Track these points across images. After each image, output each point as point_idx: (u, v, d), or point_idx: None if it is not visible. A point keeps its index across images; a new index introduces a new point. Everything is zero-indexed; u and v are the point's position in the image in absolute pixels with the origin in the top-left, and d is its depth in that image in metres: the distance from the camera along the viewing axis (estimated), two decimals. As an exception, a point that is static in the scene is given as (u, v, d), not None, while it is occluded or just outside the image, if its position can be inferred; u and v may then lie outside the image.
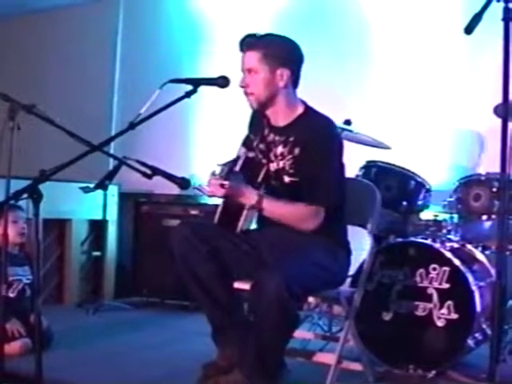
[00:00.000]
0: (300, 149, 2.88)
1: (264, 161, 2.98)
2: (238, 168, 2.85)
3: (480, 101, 4.33)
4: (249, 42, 2.88)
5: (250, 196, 2.81)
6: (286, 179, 2.93)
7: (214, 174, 2.83)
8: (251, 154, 2.97)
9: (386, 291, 3.38)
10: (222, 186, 2.75)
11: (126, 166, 2.69)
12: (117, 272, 5.38)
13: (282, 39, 2.94)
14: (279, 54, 2.88)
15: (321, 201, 2.82)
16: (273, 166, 2.97)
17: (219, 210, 2.98)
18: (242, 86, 2.90)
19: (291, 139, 2.91)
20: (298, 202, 2.81)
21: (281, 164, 2.94)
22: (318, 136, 2.87)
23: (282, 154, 2.94)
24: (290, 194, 2.84)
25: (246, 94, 2.91)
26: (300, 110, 2.96)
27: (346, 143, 3.07)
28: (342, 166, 2.94)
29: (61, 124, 2.60)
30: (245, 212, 2.85)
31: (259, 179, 2.91)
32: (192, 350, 3.63)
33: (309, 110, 2.97)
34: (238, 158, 2.91)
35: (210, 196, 2.89)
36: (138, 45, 6.09)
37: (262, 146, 3.03)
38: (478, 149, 4.58)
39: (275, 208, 2.83)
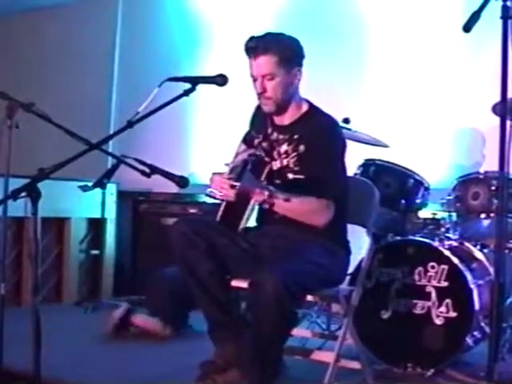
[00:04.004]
0: (305, 146, 2.89)
1: (267, 159, 2.98)
2: (249, 167, 2.83)
3: (479, 99, 4.33)
4: (260, 47, 2.83)
5: (260, 192, 2.80)
6: (290, 177, 2.93)
7: (219, 173, 2.83)
8: (252, 151, 2.96)
9: (384, 289, 3.38)
10: (232, 186, 2.75)
11: (125, 165, 2.69)
12: (115, 270, 5.38)
13: (290, 39, 2.92)
14: (292, 54, 2.89)
15: (330, 195, 2.82)
16: (275, 165, 2.97)
17: (222, 208, 2.97)
18: (261, 93, 2.88)
19: (296, 137, 2.92)
20: (309, 196, 2.80)
21: (284, 162, 2.94)
22: (324, 134, 2.88)
23: (286, 151, 2.94)
24: (294, 192, 2.82)
25: (264, 98, 2.90)
26: (304, 108, 2.97)
27: (346, 142, 3.08)
28: (344, 165, 2.94)
29: (59, 122, 2.60)
30: (248, 210, 2.84)
31: (262, 177, 2.91)
32: (190, 349, 3.63)
33: (313, 109, 2.98)
34: (247, 159, 2.88)
35: (222, 200, 2.88)
36: (136, 43, 6.09)
37: (264, 144, 3.03)
38: (477, 147, 4.58)
39: (286, 203, 2.79)
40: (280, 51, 2.84)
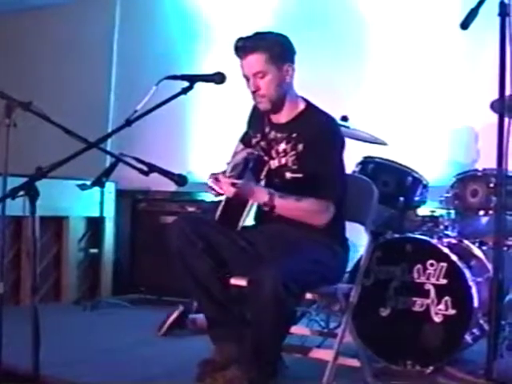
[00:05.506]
0: (303, 145, 2.89)
1: (265, 158, 2.98)
2: (250, 166, 2.83)
3: (477, 96, 4.33)
4: (248, 46, 2.86)
5: (260, 194, 2.80)
6: (288, 176, 2.93)
7: (220, 172, 2.83)
8: (250, 150, 2.96)
9: (383, 287, 3.38)
10: (233, 185, 2.75)
11: (123, 163, 2.69)
12: (114, 269, 5.38)
13: (279, 36, 2.95)
14: (282, 51, 2.90)
15: (329, 195, 2.83)
16: (274, 164, 2.97)
17: (221, 207, 2.97)
18: (255, 91, 2.89)
19: (294, 135, 2.92)
20: (308, 197, 2.81)
21: (283, 161, 2.94)
22: (322, 132, 2.88)
23: (284, 150, 2.94)
24: (292, 191, 2.83)
25: (259, 96, 2.91)
26: (301, 106, 2.97)
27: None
28: (342, 163, 2.94)
29: (57, 121, 2.59)
30: (247, 209, 2.84)
31: (261, 177, 2.91)
32: (189, 347, 3.63)
33: (311, 107, 2.98)
34: (249, 157, 2.88)
35: (219, 195, 2.88)
36: (134, 41, 6.09)
37: (263, 143, 3.03)
38: (475, 144, 4.59)
39: (287, 204, 2.81)
40: (268, 48, 2.85)
